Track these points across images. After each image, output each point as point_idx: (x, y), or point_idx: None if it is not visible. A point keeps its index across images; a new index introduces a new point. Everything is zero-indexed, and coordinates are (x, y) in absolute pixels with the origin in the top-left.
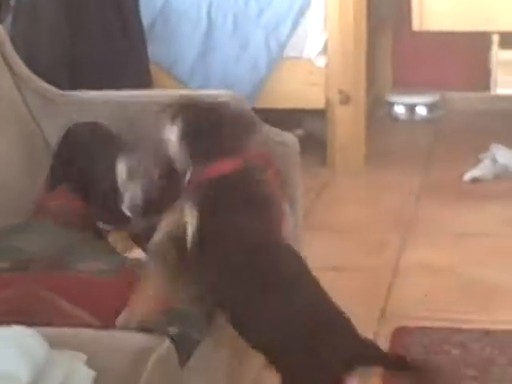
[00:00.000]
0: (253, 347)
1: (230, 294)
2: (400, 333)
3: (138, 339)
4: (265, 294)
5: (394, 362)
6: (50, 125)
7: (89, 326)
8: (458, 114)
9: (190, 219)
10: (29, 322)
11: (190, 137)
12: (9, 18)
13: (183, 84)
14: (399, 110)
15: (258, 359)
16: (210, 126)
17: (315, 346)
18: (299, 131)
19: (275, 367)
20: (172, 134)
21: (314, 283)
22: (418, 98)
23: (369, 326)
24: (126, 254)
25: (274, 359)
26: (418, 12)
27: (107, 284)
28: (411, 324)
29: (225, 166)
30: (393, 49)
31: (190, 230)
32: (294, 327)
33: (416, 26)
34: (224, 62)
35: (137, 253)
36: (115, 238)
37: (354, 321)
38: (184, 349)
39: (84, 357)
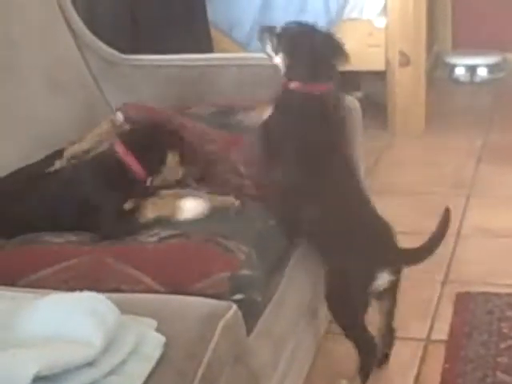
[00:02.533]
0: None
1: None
2: (463, 298)
3: (205, 305)
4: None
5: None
6: (112, 88)
7: (155, 291)
8: None
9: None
10: (98, 288)
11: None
12: None
13: (242, 47)
14: (459, 71)
15: (323, 321)
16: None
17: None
18: (359, 93)
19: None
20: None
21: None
22: (479, 59)
23: (432, 290)
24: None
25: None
26: None
27: (171, 251)
28: (474, 289)
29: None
30: (453, 9)
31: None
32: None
33: None
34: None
35: (190, 203)
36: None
37: (418, 284)
38: (250, 314)
39: (154, 323)
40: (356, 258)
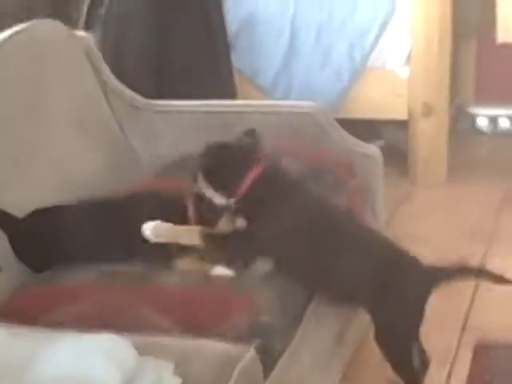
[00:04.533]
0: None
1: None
2: (483, 347)
3: (223, 348)
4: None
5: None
6: (136, 132)
7: (174, 333)
8: None
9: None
10: (117, 329)
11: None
12: (98, 27)
13: (266, 93)
14: (482, 121)
15: (337, 367)
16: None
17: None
18: (380, 142)
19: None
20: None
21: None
22: (501, 110)
23: (451, 338)
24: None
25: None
26: (503, 24)
27: (192, 295)
28: (493, 337)
29: (248, 182)
30: (476, 60)
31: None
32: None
33: (501, 38)
34: (307, 72)
35: (219, 270)
36: (187, 262)
37: (438, 331)
38: (267, 360)
39: (171, 365)
40: (406, 292)
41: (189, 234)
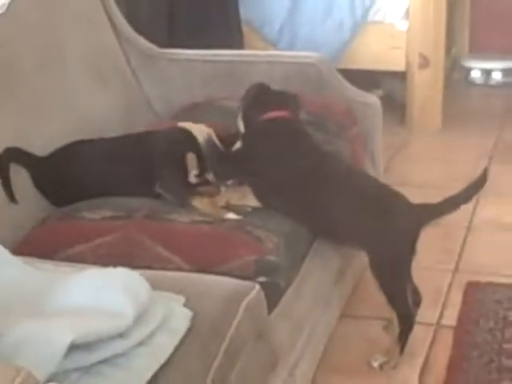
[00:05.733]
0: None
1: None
2: (472, 287)
3: (230, 285)
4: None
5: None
6: (149, 80)
7: (184, 270)
8: None
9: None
10: (131, 265)
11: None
12: None
13: (272, 44)
14: (475, 74)
15: (337, 303)
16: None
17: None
18: (379, 91)
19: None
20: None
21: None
22: (494, 64)
23: (443, 279)
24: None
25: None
26: None
27: (202, 235)
28: (483, 279)
29: (272, 115)
30: (471, 14)
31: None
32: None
33: None
34: (310, 24)
35: (230, 215)
36: (203, 203)
37: (430, 273)
38: (272, 296)
39: (182, 299)
40: (396, 228)
41: None
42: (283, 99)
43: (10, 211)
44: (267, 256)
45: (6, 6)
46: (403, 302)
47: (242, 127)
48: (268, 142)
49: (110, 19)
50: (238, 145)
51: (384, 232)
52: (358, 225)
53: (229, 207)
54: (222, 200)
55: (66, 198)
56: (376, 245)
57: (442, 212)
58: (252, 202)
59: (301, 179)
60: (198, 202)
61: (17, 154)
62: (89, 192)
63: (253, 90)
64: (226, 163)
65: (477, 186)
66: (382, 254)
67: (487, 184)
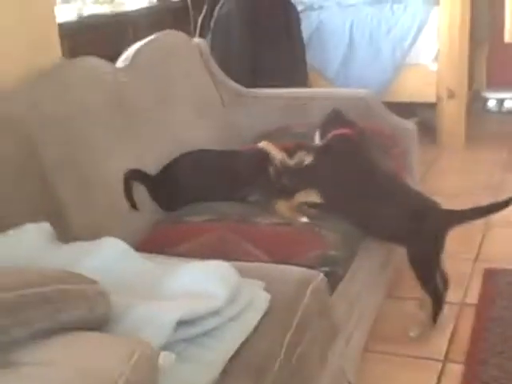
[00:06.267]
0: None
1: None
2: (490, 273)
3: (300, 273)
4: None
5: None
6: (237, 113)
7: (264, 261)
8: None
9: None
10: (223, 258)
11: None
12: (209, 35)
13: (331, 83)
14: (491, 103)
15: (382, 287)
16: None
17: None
18: (415, 119)
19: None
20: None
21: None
22: (506, 94)
23: (466, 267)
24: (297, 219)
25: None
26: (510, 28)
27: (280, 233)
28: (499, 266)
29: (340, 132)
30: (488, 57)
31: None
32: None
33: (508, 38)
34: (361, 67)
35: (303, 219)
36: (282, 208)
37: (455, 262)
38: (332, 282)
39: (263, 284)
40: (429, 229)
41: None
42: (350, 121)
43: (131, 218)
44: (329, 251)
45: (129, 59)
46: (434, 287)
47: (317, 139)
48: (334, 160)
49: (208, 68)
50: (309, 159)
51: (420, 232)
52: (400, 226)
53: (301, 210)
54: (295, 202)
55: (175, 204)
56: (413, 242)
57: (467, 218)
58: (314, 198)
59: (360, 189)
60: (279, 206)
61: (137, 174)
62: (191, 198)
63: (329, 113)
64: (299, 176)
65: (500, 206)
66: (418, 249)
67: (504, 188)
